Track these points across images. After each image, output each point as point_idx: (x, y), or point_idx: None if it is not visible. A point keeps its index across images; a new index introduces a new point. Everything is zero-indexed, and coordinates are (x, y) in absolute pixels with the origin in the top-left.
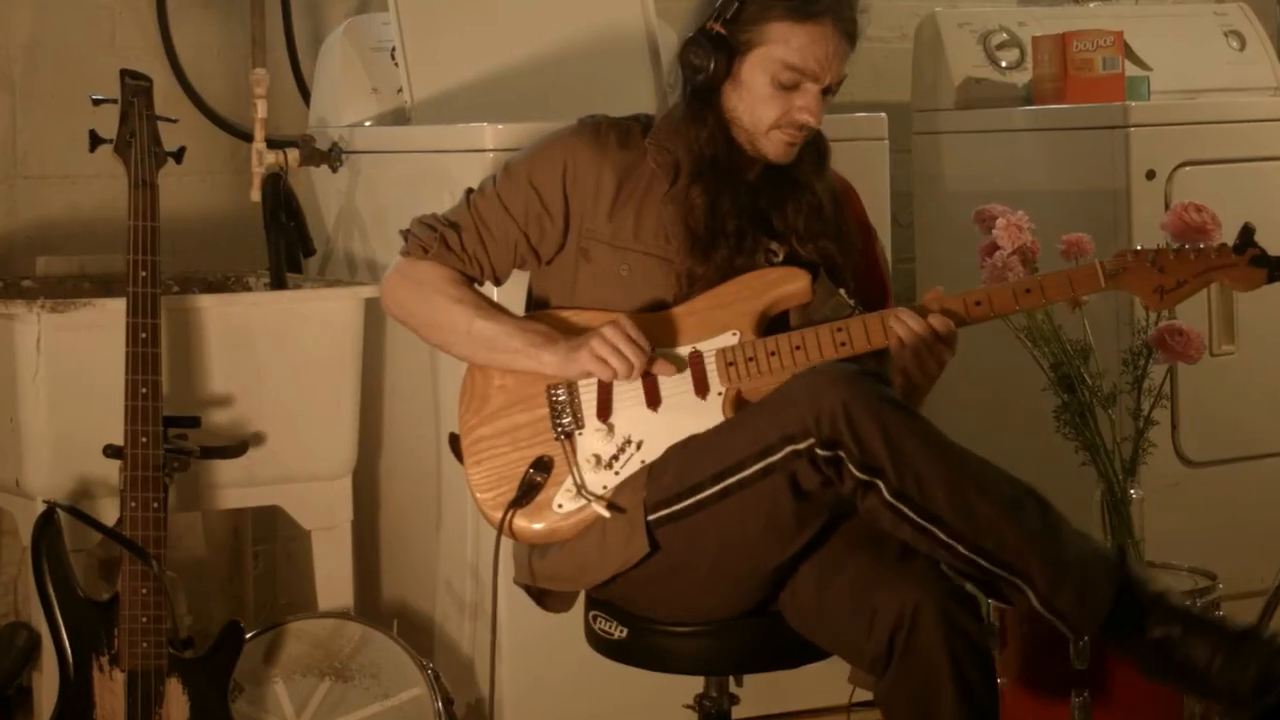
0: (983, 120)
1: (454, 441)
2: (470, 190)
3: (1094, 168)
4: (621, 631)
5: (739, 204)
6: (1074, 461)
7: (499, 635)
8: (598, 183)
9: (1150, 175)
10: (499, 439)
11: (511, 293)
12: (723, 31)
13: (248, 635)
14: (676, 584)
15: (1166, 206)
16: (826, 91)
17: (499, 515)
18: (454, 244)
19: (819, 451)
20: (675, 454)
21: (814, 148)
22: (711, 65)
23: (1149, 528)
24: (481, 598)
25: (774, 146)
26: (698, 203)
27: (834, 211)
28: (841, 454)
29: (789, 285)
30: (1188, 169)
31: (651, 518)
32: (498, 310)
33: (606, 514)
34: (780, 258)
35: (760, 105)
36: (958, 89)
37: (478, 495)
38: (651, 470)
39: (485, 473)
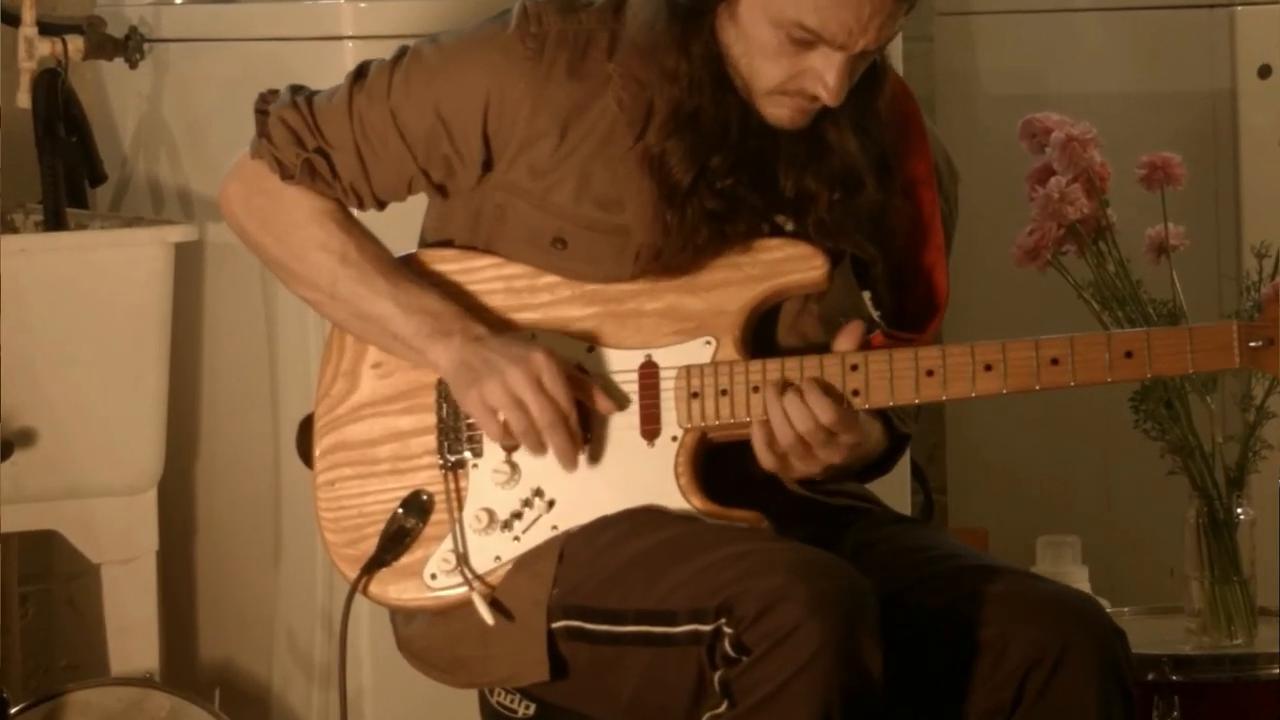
0: None
1: (304, 432)
2: (357, 77)
3: (1186, 62)
4: (527, 708)
5: (733, 171)
6: (1159, 469)
7: (361, 707)
8: (530, 125)
9: (1265, 72)
10: (364, 451)
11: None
12: None
13: (13, 709)
14: (588, 702)
15: None
16: (861, 55)
17: (352, 572)
18: (323, 171)
19: (726, 648)
20: (604, 541)
21: (860, 79)
22: None
23: (1262, 560)
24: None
25: (776, 111)
26: (675, 168)
27: (879, 189)
28: (744, 660)
29: (799, 273)
30: None
31: (555, 625)
32: (379, 265)
33: (489, 619)
34: (790, 227)
35: (761, 59)
36: None
37: (327, 535)
38: (567, 551)
39: (338, 502)
